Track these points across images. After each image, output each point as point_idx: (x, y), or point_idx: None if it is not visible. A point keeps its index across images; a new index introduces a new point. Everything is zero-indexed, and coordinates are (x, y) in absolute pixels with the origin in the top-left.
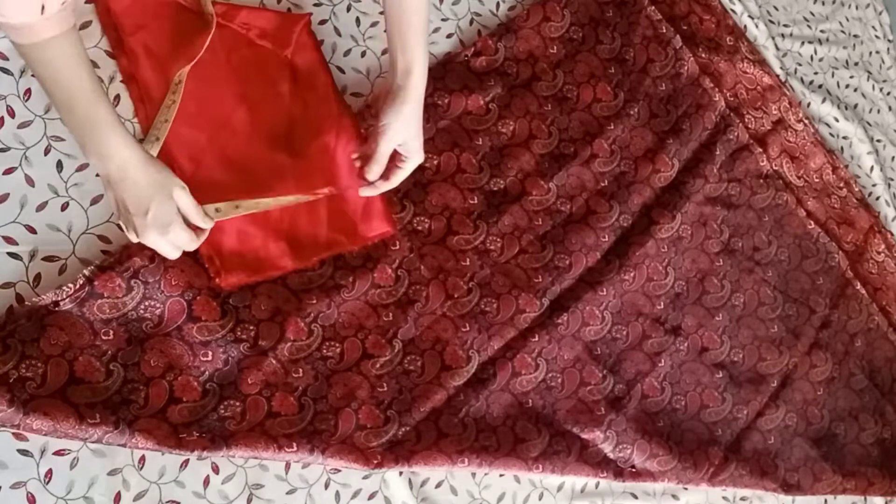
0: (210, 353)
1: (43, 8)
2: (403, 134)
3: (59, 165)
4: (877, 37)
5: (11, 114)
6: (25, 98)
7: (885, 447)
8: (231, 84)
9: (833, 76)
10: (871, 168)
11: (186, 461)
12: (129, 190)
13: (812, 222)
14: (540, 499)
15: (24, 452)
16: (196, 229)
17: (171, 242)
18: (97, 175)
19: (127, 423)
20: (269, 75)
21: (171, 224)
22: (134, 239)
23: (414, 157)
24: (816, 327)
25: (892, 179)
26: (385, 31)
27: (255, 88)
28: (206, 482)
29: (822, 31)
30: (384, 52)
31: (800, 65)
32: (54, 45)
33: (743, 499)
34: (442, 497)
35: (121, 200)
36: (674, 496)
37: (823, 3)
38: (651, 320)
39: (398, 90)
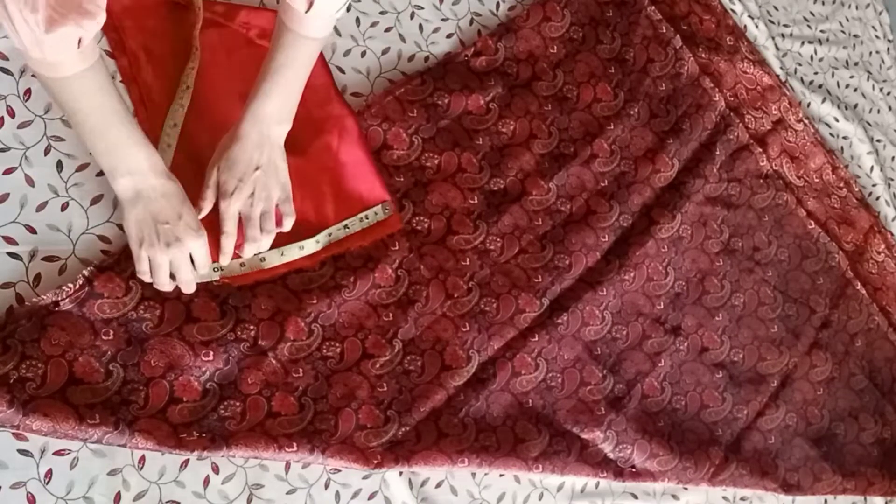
0: (210, 352)
1: (80, 41)
2: (218, 163)
3: (59, 165)
4: (877, 37)
5: (11, 114)
6: (25, 98)
7: (885, 447)
8: (232, 84)
9: (833, 76)
10: (871, 168)
11: (186, 461)
12: (160, 200)
13: (812, 222)
14: (540, 499)
15: (24, 452)
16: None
17: (199, 253)
18: (112, 189)
19: (127, 423)
20: None
21: (201, 228)
22: (146, 273)
23: (224, 198)
24: (816, 327)
25: (892, 179)
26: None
27: None
28: (206, 482)
29: (822, 31)
30: (384, 51)
31: (800, 65)
32: (87, 75)
33: (743, 499)
34: (442, 497)
35: (151, 213)
36: (674, 496)
37: (823, 3)
38: (651, 320)
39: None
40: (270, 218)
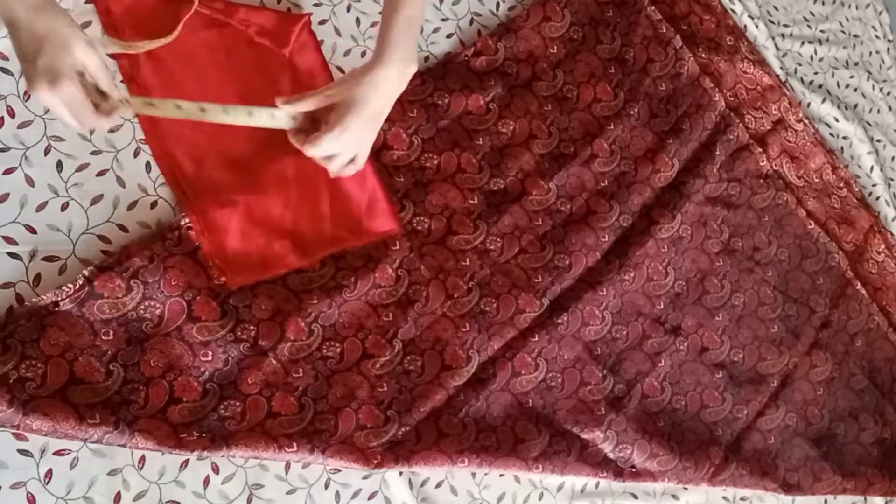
0: (210, 353)
1: None
2: (341, 89)
3: (59, 165)
4: (877, 37)
5: (11, 114)
6: (25, 98)
7: (885, 447)
8: (232, 84)
9: (833, 76)
10: (871, 168)
11: (186, 461)
12: (21, 36)
13: (812, 222)
14: (540, 499)
15: (24, 452)
16: (105, 109)
17: (64, 101)
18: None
19: (127, 423)
20: (270, 75)
21: (60, 76)
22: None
23: (329, 132)
24: (816, 327)
25: (892, 179)
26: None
27: (256, 88)
28: (206, 482)
29: (822, 31)
30: None
31: (800, 65)
32: None
33: (743, 499)
34: (442, 497)
35: (15, 48)
36: (674, 496)
37: (823, 3)
38: (651, 320)
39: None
40: (350, 164)
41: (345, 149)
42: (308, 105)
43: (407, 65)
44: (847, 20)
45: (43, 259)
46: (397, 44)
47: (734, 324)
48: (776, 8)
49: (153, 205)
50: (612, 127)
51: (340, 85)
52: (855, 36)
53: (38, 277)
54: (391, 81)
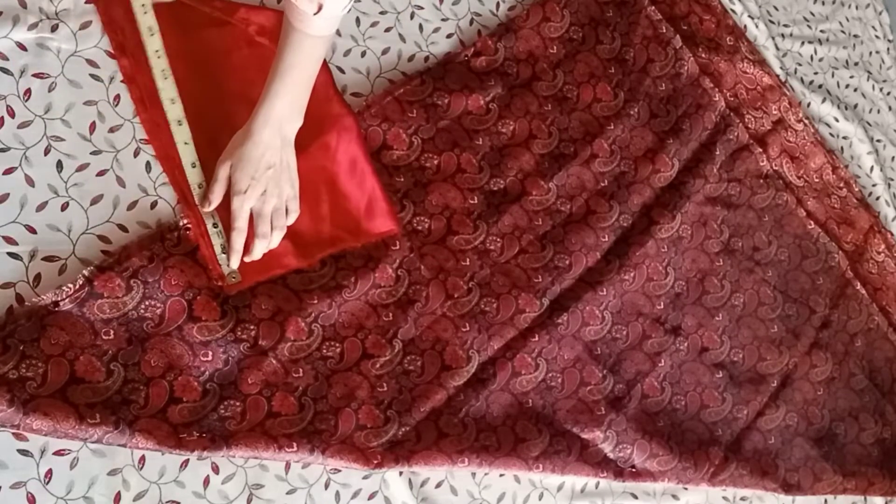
0: (210, 353)
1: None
2: (231, 160)
3: (59, 165)
4: (877, 37)
5: (11, 114)
6: (25, 98)
7: (885, 447)
8: (232, 84)
9: (833, 76)
10: (871, 168)
11: (186, 461)
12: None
13: (812, 222)
14: (540, 499)
15: (24, 452)
16: None
17: None
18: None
19: (127, 423)
20: None
21: None
22: None
23: (238, 195)
24: (816, 327)
25: (892, 179)
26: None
27: (257, 89)
28: (206, 482)
29: (822, 31)
30: (384, 51)
31: (800, 65)
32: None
33: (743, 499)
34: (442, 497)
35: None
36: (674, 496)
37: (823, 3)
38: (651, 320)
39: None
40: (281, 215)
41: (259, 203)
42: (218, 190)
43: (285, 122)
44: (847, 20)
45: (43, 259)
46: (274, 103)
47: (734, 324)
48: (776, 8)
49: (153, 205)
50: (612, 127)
51: (227, 151)
52: (855, 36)
53: (38, 277)
54: (263, 145)
